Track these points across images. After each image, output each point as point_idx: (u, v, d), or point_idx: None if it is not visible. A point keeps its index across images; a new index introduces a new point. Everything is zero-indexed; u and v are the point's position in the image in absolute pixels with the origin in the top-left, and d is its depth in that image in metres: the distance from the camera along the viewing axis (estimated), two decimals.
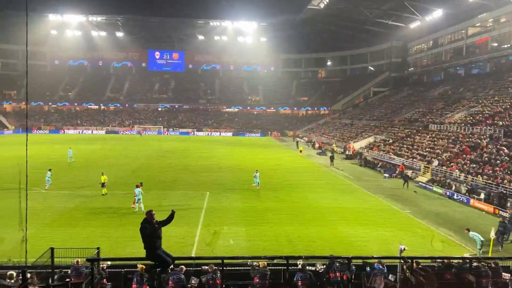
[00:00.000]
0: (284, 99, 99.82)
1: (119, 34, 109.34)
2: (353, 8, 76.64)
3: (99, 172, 28.73)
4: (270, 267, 12.94)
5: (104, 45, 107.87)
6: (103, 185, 26.42)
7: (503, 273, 13.22)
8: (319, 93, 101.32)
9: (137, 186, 22.55)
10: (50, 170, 28.42)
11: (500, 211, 22.67)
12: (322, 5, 78.06)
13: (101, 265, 9.87)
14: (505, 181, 26.77)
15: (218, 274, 11.95)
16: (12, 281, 7.50)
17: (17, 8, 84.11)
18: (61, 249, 10.08)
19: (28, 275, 7.50)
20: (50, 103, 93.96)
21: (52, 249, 8.47)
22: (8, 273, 9.31)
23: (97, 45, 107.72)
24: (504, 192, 25.33)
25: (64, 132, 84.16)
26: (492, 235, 17.94)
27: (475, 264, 13.12)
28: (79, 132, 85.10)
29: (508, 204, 23.75)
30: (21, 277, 6.98)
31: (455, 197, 28.38)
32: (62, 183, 29.80)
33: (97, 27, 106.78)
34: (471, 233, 16.67)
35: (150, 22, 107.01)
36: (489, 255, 16.52)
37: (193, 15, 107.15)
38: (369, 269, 13.20)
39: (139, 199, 22.09)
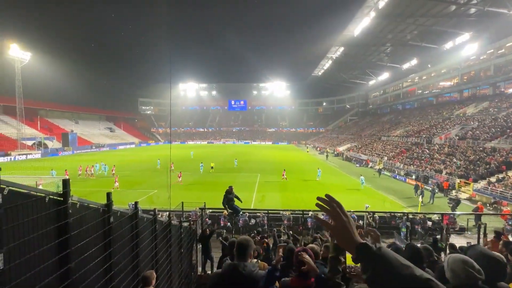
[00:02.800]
0: (299, 124, 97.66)
1: (214, 92, 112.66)
2: (337, 74, 74.06)
3: (210, 161, 29.71)
4: (292, 215, 12.83)
5: (206, 98, 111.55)
6: (212, 167, 27.78)
7: (427, 221, 12.28)
8: (318, 120, 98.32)
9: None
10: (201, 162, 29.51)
11: (423, 184, 20.99)
12: (320, 73, 76.88)
13: (205, 211, 10.23)
14: (426, 169, 25.00)
15: (265, 218, 12.01)
16: (163, 218, 7.97)
17: (165, 81, 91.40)
18: (187, 202, 10.56)
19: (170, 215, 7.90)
20: (180, 128, 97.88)
21: (182, 202, 8.89)
22: (161, 213, 9.90)
23: (202, 98, 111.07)
24: (426, 175, 23.71)
25: (187, 143, 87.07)
26: (420, 200, 16.75)
27: (410, 216, 12.30)
28: (194, 142, 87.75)
29: (429, 182, 22.10)
30: (167, 216, 7.38)
31: (397, 178, 26.76)
32: (186, 168, 30.02)
33: (202, 89, 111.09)
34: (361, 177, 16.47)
35: (229, 85, 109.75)
36: (418, 211, 15.43)
37: (250, 81, 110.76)
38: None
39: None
